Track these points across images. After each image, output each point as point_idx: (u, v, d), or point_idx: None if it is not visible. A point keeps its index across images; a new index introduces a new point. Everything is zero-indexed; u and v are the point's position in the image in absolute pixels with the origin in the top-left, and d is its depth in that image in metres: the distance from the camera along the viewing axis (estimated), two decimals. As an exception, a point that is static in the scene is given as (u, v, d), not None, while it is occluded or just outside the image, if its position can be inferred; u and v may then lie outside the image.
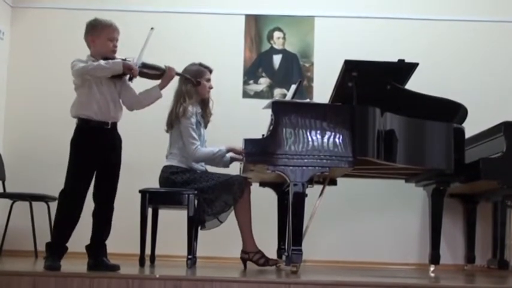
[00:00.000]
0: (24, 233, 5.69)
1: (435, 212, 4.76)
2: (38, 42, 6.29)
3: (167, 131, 4.84)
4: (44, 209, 5.63)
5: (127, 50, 4.14)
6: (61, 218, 3.94)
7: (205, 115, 4.89)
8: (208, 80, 4.89)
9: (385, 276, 4.41)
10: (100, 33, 4.05)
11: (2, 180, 5.75)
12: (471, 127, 4.93)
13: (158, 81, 4.21)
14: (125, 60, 4.05)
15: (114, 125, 4.08)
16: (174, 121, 4.73)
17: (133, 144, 5.95)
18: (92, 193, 4.04)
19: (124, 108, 4.18)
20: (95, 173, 4.03)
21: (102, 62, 3.91)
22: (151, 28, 4.14)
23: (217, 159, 4.76)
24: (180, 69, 4.86)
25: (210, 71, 4.92)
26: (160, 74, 4.19)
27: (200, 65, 4.90)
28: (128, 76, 4.02)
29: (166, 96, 4.80)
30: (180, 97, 4.76)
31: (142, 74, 4.13)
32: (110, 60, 3.94)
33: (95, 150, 3.98)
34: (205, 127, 4.89)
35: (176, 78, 4.52)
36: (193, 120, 4.71)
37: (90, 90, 3.96)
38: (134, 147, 5.95)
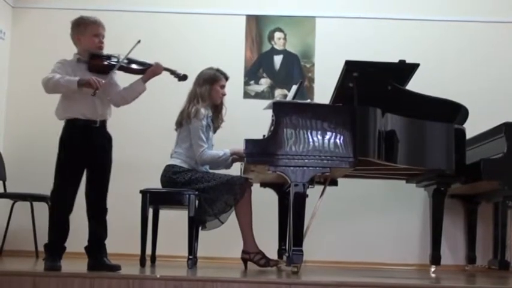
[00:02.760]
0: (25, 233, 5.69)
1: (436, 213, 4.75)
2: (39, 42, 6.29)
3: (176, 129, 4.86)
4: (45, 209, 5.58)
5: (127, 49, 4.13)
6: (53, 218, 3.94)
7: (215, 120, 4.90)
8: (223, 87, 4.90)
9: (386, 276, 4.41)
10: (85, 30, 4.04)
11: (2, 181, 5.75)
12: (472, 128, 4.93)
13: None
14: (110, 57, 4.03)
15: (103, 123, 4.05)
16: (184, 120, 4.74)
17: (134, 144, 5.99)
18: (84, 193, 4.02)
19: (127, 107, 4.16)
20: (85, 172, 4.01)
21: (62, 80, 3.83)
22: (139, 41, 4.07)
23: (221, 162, 4.78)
24: (196, 71, 4.87)
25: (226, 78, 4.93)
26: (145, 69, 4.14)
27: (217, 70, 4.92)
28: (93, 91, 3.86)
29: (168, 98, 4.81)
30: (193, 98, 4.79)
31: (128, 70, 4.10)
32: (69, 78, 3.84)
33: (82, 148, 3.94)
34: (214, 132, 4.91)
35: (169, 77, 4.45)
36: (204, 122, 4.73)
37: (73, 92, 3.92)
38: (135, 148, 5.99)
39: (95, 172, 4.02)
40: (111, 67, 4.00)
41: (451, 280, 4.38)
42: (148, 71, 4.13)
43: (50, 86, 3.87)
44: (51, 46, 6.21)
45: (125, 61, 4.07)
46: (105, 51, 4.10)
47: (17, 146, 6.11)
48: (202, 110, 4.73)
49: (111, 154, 4.11)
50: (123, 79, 4.19)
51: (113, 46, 4.16)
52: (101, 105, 4.02)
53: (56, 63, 4.00)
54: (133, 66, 4.12)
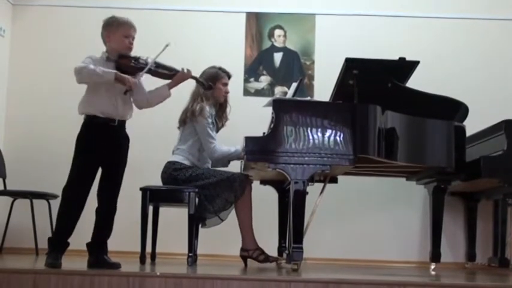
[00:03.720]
0: (24, 230, 5.69)
1: (436, 210, 4.75)
2: (38, 39, 6.28)
3: (179, 128, 4.86)
4: (45, 207, 5.63)
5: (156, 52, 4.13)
6: (63, 212, 3.92)
7: (219, 120, 4.90)
8: (225, 85, 4.91)
9: (386, 274, 4.41)
10: (116, 30, 4.05)
11: (2, 178, 5.75)
12: (472, 125, 4.93)
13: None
14: (138, 58, 4.06)
15: (122, 123, 4.06)
16: (188, 118, 4.74)
17: (134, 142, 5.98)
18: (97, 190, 4.03)
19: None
20: (101, 170, 4.02)
21: (98, 69, 3.86)
22: (167, 44, 4.08)
23: (233, 158, 4.77)
24: (196, 69, 4.86)
25: (229, 76, 4.95)
26: (172, 74, 4.17)
27: (219, 69, 4.94)
28: (125, 89, 3.93)
29: (172, 96, 4.81)
30: (197, 97, 4.79)
31: (155, 73, 4.13)
32: (106, 69, 3.88)
33: (99, 146, 3.96)
34: (217, 131, 4.90)
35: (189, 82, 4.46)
36: (210, 120, 4.73)
37: (97, 88, 3.95)
38: (135, 145, 5.97)
39: (109, 171, 4.03)
40: (139, 69, 4.03)
41: (451, 277, 4.38)
42: (175, 78, 4.17)
43: (84, 73, 3.85)
44: (51, 44, 6.23)
45: (153, 65, 4.08)
46: None
47: (17, 144, 6.11)
48: (207, 108, 4.74)
49: (126, 154, 4.13)
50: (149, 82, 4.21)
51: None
52: (122, 105, 4.03)
53: (86, 58, 3.98)
54: (161, 70, 4.14)
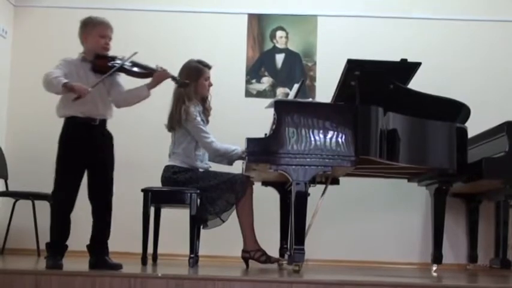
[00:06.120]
0: (26, 231, 5.69)
1: (438, 212, 4.75)
2: (40, 41, 6.29)
3: (169, 131, 4.84)
4: (47, 208, 5.53)
5: (129, 48, 4.13)
6: (55, 217, 3.94)
7: (205, 112, 4.87)
8: (208, 79, 4.84)
9: (388, 275, 4.41)
10: (92, 31, 4.04)
11: (4, 179, 5.76)
12: (474, 127, 4.93)
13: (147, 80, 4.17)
14: (115, 58, 4.03)
15: (103, 122, 4.05)
16: (177, 124, 4.69)
17: (136, 143, 6.00)
18: (87, 194, 4.01)
19: (128, 107, 4.17)
20: (87, 171, 4.00)
21: (54, 79, 3.81)
22: (135, 52, 4.07)
23: (232, 158, 4.75)
24: (179, 67, 4.85)
25: (209, 68, 4.87)
26: (148, 73, 4.13)
27: (199, 62, 4.83)
28: (75, 97, 3.84)
29: (168, 97, 4.80)
30: (179, 99, 4.71)
31: (130, 73, 4.09)
32: (60, 79, 3.81)
33: (82, 146, 3.94)
34: (207, 123, 4.88)
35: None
36: (199, 118, 4.70)
37: (57, 93, 3.92)
38: (136, 146, 5.99)
39: (96, 172, 4.01)
40: (113, 68, 4.00)
41: (453, 279, 4.37)
42: (154, 78, 4.11)
43: (44, 83, 3.87)
44: (53, 45, 6.23)
45: (128, 64, 4.06)
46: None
47: (18, 144, 6.11)
48: (192, 109, 4.68)
49: (112, 153, 4.10)
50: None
51: (116, 45, 4.15)
52: (102, 104, 4.02)
53: (60, 60, 4.00)
54: (136, 69, 4.10)
